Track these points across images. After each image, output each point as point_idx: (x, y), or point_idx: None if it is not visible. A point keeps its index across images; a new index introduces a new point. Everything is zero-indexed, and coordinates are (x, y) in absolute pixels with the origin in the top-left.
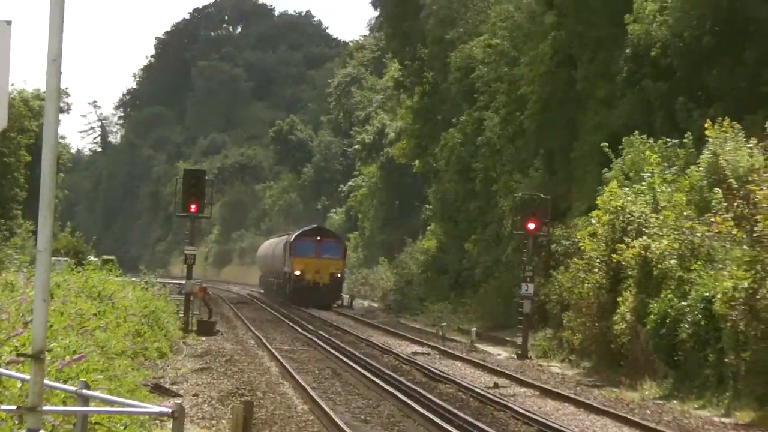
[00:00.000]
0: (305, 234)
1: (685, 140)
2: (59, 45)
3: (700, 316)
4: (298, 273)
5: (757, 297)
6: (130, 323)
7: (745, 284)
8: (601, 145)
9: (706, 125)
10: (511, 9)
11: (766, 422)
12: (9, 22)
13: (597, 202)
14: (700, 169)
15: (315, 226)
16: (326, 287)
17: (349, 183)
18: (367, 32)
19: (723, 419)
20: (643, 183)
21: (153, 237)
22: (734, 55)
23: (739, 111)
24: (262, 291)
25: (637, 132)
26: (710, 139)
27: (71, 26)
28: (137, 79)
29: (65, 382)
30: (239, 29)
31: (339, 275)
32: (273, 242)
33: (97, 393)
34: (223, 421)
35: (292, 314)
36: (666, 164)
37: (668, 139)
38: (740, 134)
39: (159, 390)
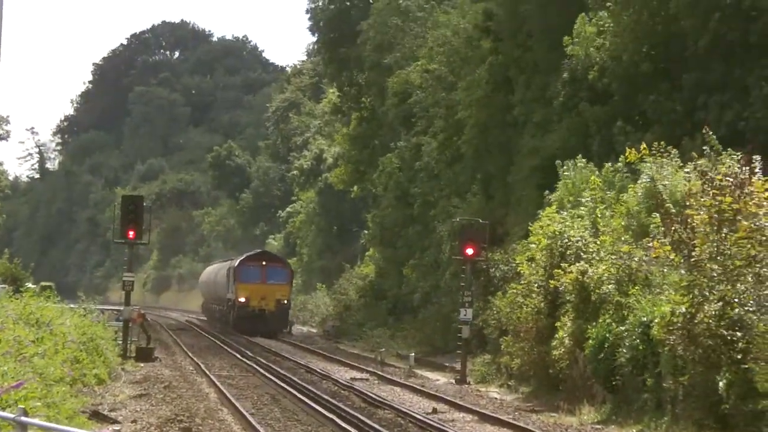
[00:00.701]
0: (250, 259)
1: (619, 163)
2: None
3: (638, 340)
4: (242, 300)
5: (695, 321)
6: (69, 350)
7: (683, 309)
8: (541, 166)
9: (627, 152)
10: (449, 34)
11: None
12: None
13: (530, 228)
14: (638, 194)
15: (260, 250)
16: (272, 314)
17: (288, 209)
18: (304, 57)
19: None
20: (582, 207)
21: (91, 263)
22: (671, 80)
23: (676, 135)
24: (205, 318)
25: (580, 156)
26: (646, 164)
27: (8, 53)
28: (75, 105)
29: (4, 409)
30: (176, 54)
31: (285, 302)
32: (216, 267)
33: (35, 420)
34: None
35: (230, 340)
36: (606, 188)
37: (610, 164)
38: (675, 159)
39: (97, 417)
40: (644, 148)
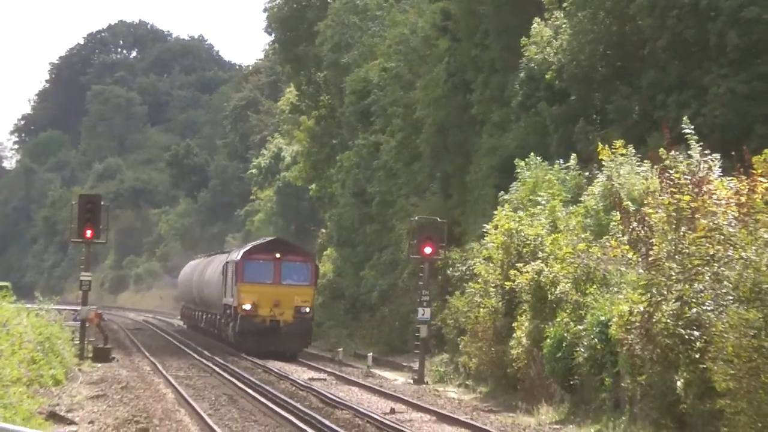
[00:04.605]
0: (258, 250)
1: (575, 162)
2: None
3: (596, 340)
4: (247, 307)
5: (653, 320)
6: (25, 350)
7: (641, 308)
8: (500, 165)
9: (598, 148)
10: (406, 32)
11: None
12: None
13: (487, 228)
14: (595, 192)
15: (272, 238)
16: (289, 328)
17: (246, 208)
18: (262, 56)
19: None
20: (539, 206)
21: (49, 262)
22: (629, 81)
23: (636, 134)
24: (185, 326)
25: (533, 154)
26: (605, 163)
27: None
28: (32, 104)
29: None
30: (133, 54)
31: (308, 310)
32: (203, 262)
33: None
34: None
35: (188, 340)
36: (564, 186)
37: (568, 163)
38: (633, 158)
39: (54, 418)
40: (619, 145)
